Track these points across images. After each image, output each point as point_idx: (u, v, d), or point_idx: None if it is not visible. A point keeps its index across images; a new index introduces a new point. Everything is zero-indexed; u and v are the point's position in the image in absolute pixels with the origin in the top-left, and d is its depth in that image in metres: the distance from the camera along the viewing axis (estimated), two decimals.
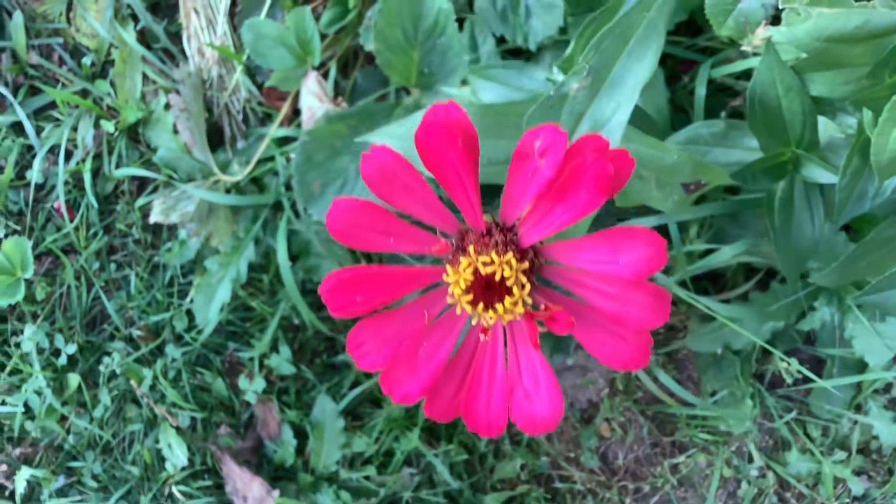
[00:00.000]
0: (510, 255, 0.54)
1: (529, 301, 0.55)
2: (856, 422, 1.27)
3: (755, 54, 1.04)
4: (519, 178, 0.54)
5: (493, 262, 0.54)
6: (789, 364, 1.19)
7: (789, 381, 1.21)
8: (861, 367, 1.22)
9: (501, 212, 0.57)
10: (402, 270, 0.57)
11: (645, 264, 0.51)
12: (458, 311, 0.56)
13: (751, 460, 1.32)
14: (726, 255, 1.13)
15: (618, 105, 0.68)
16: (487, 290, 0.55)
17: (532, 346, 0.55)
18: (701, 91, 1.08)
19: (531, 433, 0.56)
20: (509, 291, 0.54)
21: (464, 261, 0.55)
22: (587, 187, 0.50)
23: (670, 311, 0.54)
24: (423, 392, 0.56)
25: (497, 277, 0.54)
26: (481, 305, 0.55)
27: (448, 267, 0.55)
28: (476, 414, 0.56)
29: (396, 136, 0.85)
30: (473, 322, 0.56)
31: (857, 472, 1.28)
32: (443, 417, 0.58)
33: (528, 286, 0.54)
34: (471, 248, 0.55)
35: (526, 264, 0.55)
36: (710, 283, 1.27)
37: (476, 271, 0.54)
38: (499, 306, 0.54)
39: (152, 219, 1.29)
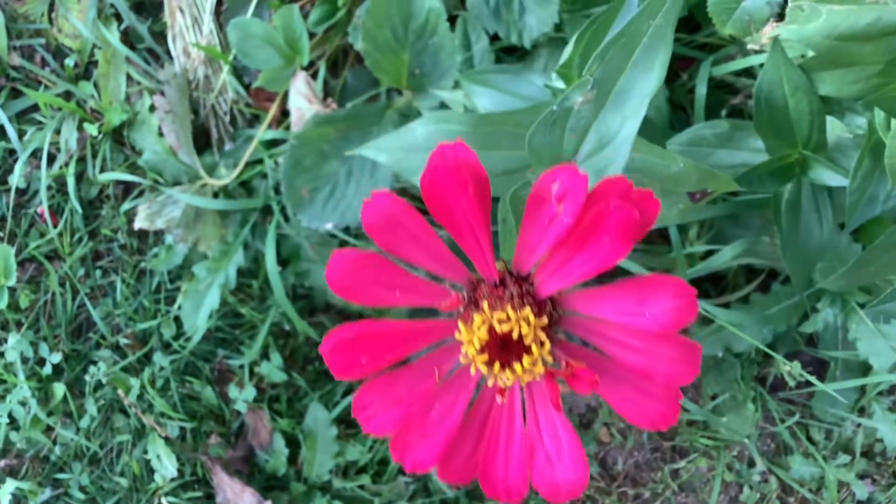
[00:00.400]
0: (528, 309, 0.50)
1: (549, 359, 0.51)
2: (859, 425, 1.25)
3: (756, 52, 1.02)
4: (535, 225, 0.50)
5: (509, 318, 0.50)
6: (791, 367, 1.16)
7: (791, 384, 1.19)
8: (865, 369, 1.19)
9: (515, 259, 0.53)
10: (410, 326, 0.53)
11: (674, 316, 0.47)
12: (473, 371, 0.52)
13: (753, 465, 1.29)
14: (726, 257, 1.11)
15: (624, 119, 0.64)
16: (503, 348, 0.51)
17: (553, 408, 0.51)
18: (702, 90, 1.05)
19: (555, 501, 0.51)
20: (528, 350, 0.50)
21: (477, 318, 0.51)
22: (610, 235, 0.47)
23: (699, 364, 0.50)
24: (437, 459, 0.52)
25: (514, 336, 0.50)
26: (497, 365, 0.51)
27: (461, 324, 0.51)
28: (494, 479, 0.52)
29: (387, 150, 0.81)
30: (489, 383, 0.53)
31: (861, 476, 1.26)
32: (458, 481, 0.54)
33: (547, 343, 0.51)
34: (485, 304, 0.51)
35: (545, 320, 0.51)
36: (711, 284, 1.25)
37: (491, 329, 0.50)
38: (517, 366, 0.50)
39: (137, 225, 1.25)
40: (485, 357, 0.50)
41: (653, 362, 0.50)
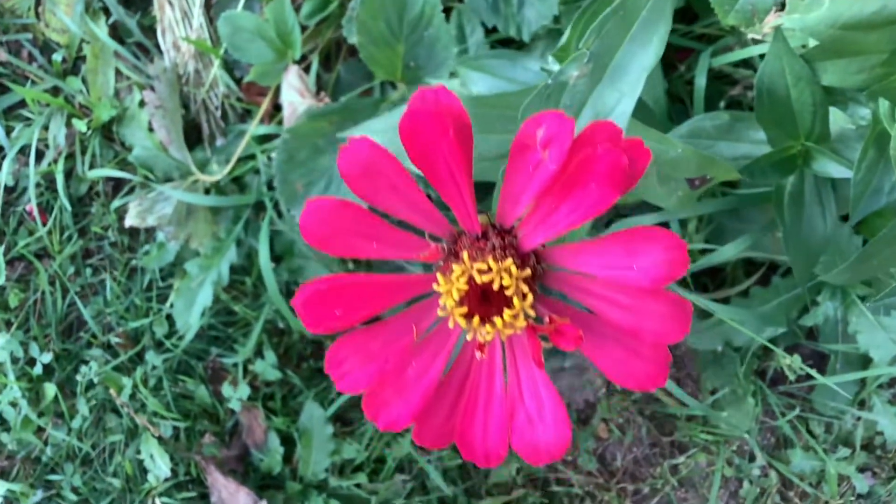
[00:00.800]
0: (509, 260, 0.48)
1: (532, 313, 0.49)
2: (859, 418, 1.24)
3: (756, 41, 1.00)
4: (519, 173, 0.47)
5: (490, 269, 0.48)
6: (791, 361, 1.15)
7: (791, 377, 1.17)
8: (865, 362, 1.18)
9: (499, 212, 0.51)
10: (386, 279, 0.51)
11: (664, 270, 0.45)
12: (451, 324, 0.49)
13: (752, 459, 1.28)
14: (728, 253, 1.09)
15: (621, 94, 0.63)
16: (484, 301, 0.49)
17: (535, 364, 0.49)
18: (701, 81, 1.04)
19: (535, 463, 0.49)
20: (509, 302, 0.48)
21: (457, 268, 0.48)
22: (598, 182, 0.44)
23: (690, 322, 0.48)
24: (413, 417, 0.50)
25: (495, 287, 0.48)
26: (477, 319, 0.48)
27: (439, 275, 0.49)
28: (472, 441, 0.50)
29: (380, 131, 0.79)
30: (468, 337, 0.50)
31: (862, 470, 1.25)
32: (434, 444, 0.51)
33: (530, 296, 0.48)
34: (464, 254, 0.49)
35: (528, 271, 0.49)
36: (710, 278, 1.24)
37: (471, 280, 0.48)
38: (497, 320, 0.48)
39: (128, 222, 1.23)
40: (463, 310, 0.48)
41: (641, 319, 0.47)
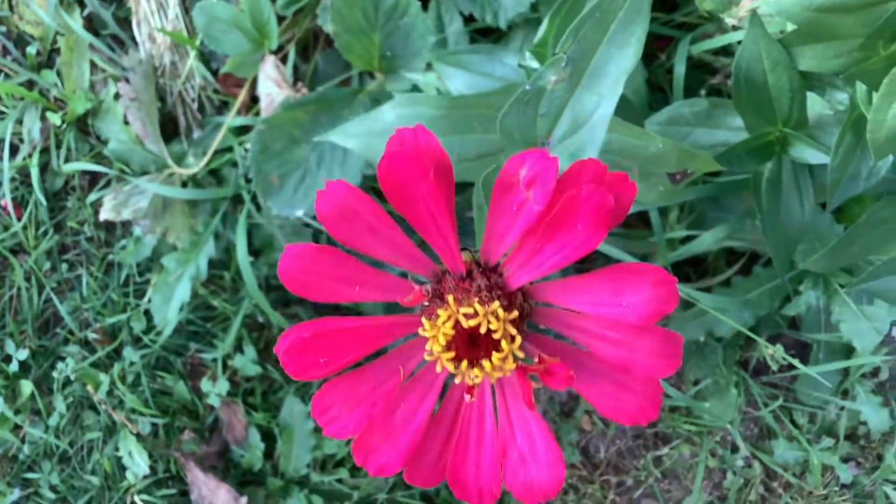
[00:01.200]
0: (496, 304, 0.47)
1: (521, 354, 0.47)
2: (843, 408, 1.23)
3: (735, 28, 0.99)
4: (503, 212, 0.46)
5: (476, 313, 0.47)
6: (774, 351, 1.15)
7: (774, 367, 1.17)
8: (848, 351, 1.18)
9: (483, 249, 0.49)
10: (371, 323, 0.50)
11: (653, 306, 0.44)
12: (439, 368, 0.48)
13: (736, 450, 1.28)
14: (708, 242, 1.09)
15: (600, 98, 0.62)
16: (471, 344, 0.48)
17: (525, 405, 0.48)
18: (680, 69, 1.03)
19: (529, 502, 0.48)
20: (497, 346, 0.47)
21: (442, 313, 0.47)
22: (584, 222, 0.44)
23: (681, 356, 0.47)
24: (403, 462, 0.49)
25: (482, 330, 0.47)
26: (465, 363, 0.47)
27: (424, 320, 0.48)
28: (465, 481, 0.49)
29: (356, 135, 0.78)
30: (457, 381, 0.49)
31: (846, 459, 1.25)
32: (426, 484, 0.50)
33: (518, 339, 0.47)
34: (450, 297, 0.48)
35: (515, 313, 0.48)
36: (692, 268, 1.23)
37: (457, 324, 0.47)
38: (485, 363, 0.47)
39: (103, 216, 1.22)
40: (451, 354, 0.47)
41: (632, 355, 0.47)
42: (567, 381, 0.45)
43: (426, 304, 0.49)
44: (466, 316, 0.47)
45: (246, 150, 1.21)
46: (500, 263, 0.49)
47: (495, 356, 0.47)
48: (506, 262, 0.49)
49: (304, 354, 0.47)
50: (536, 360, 0.47)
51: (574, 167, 0.45)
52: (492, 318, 0.47)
